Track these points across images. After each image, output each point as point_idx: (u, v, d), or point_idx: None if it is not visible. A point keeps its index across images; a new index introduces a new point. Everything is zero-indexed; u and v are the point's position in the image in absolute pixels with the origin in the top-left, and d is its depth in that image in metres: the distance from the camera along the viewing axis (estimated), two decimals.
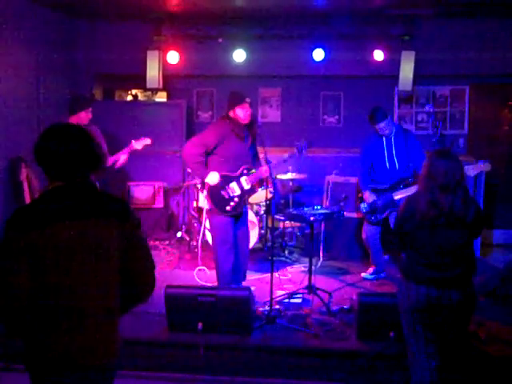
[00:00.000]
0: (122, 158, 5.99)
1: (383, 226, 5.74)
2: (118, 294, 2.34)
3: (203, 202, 5.27)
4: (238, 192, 5.03)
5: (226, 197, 4.99)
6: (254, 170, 5.10)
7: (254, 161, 5.27)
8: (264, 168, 5.00)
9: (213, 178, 4.95)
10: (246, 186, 5.05)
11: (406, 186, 5.53)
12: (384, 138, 5.70)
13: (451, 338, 3.33)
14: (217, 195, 4.99)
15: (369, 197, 5.69)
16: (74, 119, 5.57)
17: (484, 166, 5.20)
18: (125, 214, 2.32)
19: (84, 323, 2.22)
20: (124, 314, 2.41)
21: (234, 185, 5.02)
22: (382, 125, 5.59)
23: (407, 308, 3.31)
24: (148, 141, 6.09)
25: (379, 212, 5.64)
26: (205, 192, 5.08)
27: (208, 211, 5.11)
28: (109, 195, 2.36)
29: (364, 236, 5.92)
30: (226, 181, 5.00)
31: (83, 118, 5.61)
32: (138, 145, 6.03)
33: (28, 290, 2.13)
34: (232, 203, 5.01)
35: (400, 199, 5.42)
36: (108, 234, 2.26)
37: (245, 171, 5.05)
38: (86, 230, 2.21)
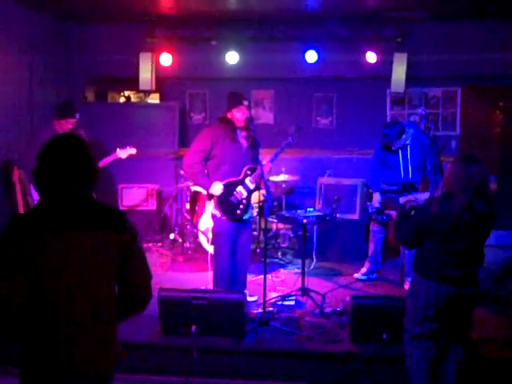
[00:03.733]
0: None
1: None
2: (114, 304, 2.33)
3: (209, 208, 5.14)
4: (245, 194, 4.95)
5: (235, 202, 4.92)
6: (256, 169, 4.97)
7: (255, 163, 5.19)
8: (263, 163, 4.91)
9: (216, 188, 4.86)
10: (251, 186, 4.96)
11: (412, 192, 5.51)
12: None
13: (459, 328, 3.52)
14: (226, 203, 4.90)
15: (377, 200, 5.65)
16: (56, 124, 5.61)
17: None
18: (121, 225, 2.31)
19: (80, 332, 2.21)
20: (120, 323, 2.41)
21: (240, 188, 4.93)
22: (397, 143, 5.54)
23: (421, 306, 3.38)
24: (133, 150, 6.01)
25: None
26: (212, 201, 4.97)
27: (213, 216, 5.01)
28: (105, 206, 2.34)
29: (372, 228, 5.95)
30: (232, 187, 4.92)
31: (63, 125, 5.57)
32: (122, 153, 5.93)
33: (24, 299, 2.13)
34: (241, 206, 4.94)
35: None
36: (104, 245, 2.25)
37: (248, 172, 4.96)
38: (82, 242, 2.20)
